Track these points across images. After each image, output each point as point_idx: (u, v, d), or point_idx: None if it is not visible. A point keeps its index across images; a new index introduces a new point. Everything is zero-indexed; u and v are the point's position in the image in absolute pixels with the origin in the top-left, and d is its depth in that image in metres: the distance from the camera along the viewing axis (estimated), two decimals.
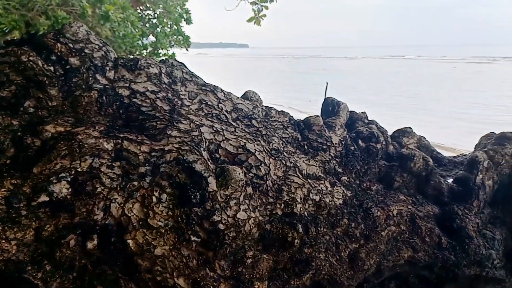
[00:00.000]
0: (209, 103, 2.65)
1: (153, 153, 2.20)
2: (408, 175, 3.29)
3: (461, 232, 3.11)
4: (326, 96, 3.72)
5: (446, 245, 3.08)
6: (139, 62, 2.49)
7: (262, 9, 10.13)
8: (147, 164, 2.18)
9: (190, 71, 2.71)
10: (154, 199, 2.14)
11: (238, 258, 2.30)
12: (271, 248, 2.46)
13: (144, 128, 2.31)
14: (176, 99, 2.49)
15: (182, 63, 2.70)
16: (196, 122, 2.43)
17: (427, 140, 3.88)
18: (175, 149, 2.23)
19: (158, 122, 2.33)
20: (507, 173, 3.42)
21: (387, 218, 3.01)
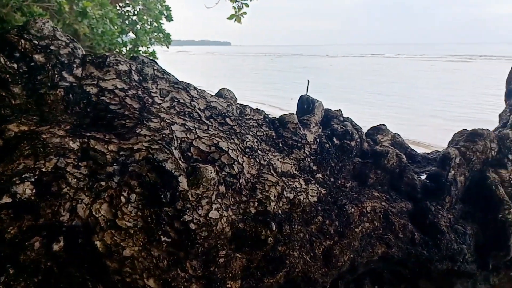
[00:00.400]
0: (181, 101, 2.61)
1: (121, 152, 2.15)
2: (382, 172, 3.31)
3: (434, 227, 3.15)
4: (303, 94, 3.72)
5: (419, 240, 3.12)
6: (108, 59, 2.42)
7: (242, 7, 10.06)
8: (115, 164, 2.12)
9: (161, 68, 2.66)
10: (122, 199, 2.08)
11: (211, 258, 2.26)
12: (245, 247, 2.43)
13: (112, 127, 2.25)
14: (146, 97, 2.44)
15: (153, 60, 2.65)
16: (167, 121, 2.38)
17: (401, 137, 3.92)
18: (144, 148, 2.18)
19: (127, 121, 2.27)
20: (478, 169, 3.47)
21: (361, 214, 3.03)
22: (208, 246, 2.25)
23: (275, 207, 2.62)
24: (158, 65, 2.66)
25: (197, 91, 2.76)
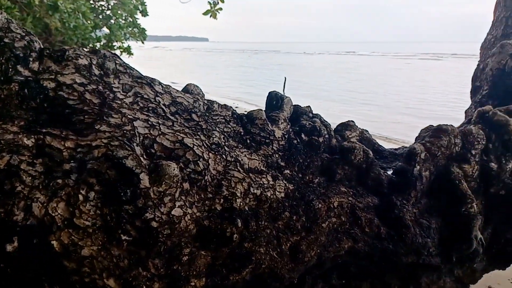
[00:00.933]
0: (145, 96, 2.54)
1: (79, 149, 2.07)
2: (349, 167, 3.33)
3: (399, 222, 3.19)
4: (272, 91, 3.70)
5: (385, 235, 3.15)
6: (67, 53, 2.33)
7: (218, 2, 9.96)
8: (72, 161, 2.05)
9: (124, 62, 2.58)
10: (80, 197, 2.01)
11: (174, 256, 2.22)
12: (210, 244, 2.40)
13: (70, 123, 2.17)
14: (107, 92, 2.36)
15: (115, 54, 2.57)
16: (129, 116, 2.32)
17: (369, 133, 3.95)
18: (103, 144, 2.10)
19: (86, 116, 2.19)
20: (442, 164, 3.54)
21: (328, 210, 3.04)
22: (171, 244, 2.21)
23: (241, 203, 2.59)
24: (121, 60, 2.58)
25: (162, 86, 2.70)
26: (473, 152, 3.59)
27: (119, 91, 2.45)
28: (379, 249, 3.12)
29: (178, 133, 2.48)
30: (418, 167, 3.37)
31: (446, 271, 3.71)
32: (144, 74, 2.70)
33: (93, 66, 2.40)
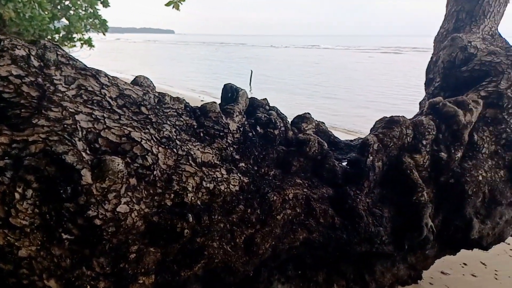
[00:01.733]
0: (89, 88, 2.43)
1: (14, 145, 1.96)
2: (304, 159, 3.35)
3: (353, 211, 3.24)
4: (227, 83, 3.65)
5: (339, 225, 3.20)
6: (2, 43, 2.19)
7: None
8: (6, 158, 1.93)
9: (67, 53, 2.46)
10: (17, 195, 1.90)
11: (120, 254, 2.15)
12: (159, 241, 2.34)
13: (5, 118, 2.05)
14: (48, 85, 2.24)
15: (57, 44, 2.44)
16: (70, 110, 2.21)
17: (325, 126, 3.99)
18: (41, 139, 2.00)
19: (23, 110, 2.07)
20: (395, 154, 3.62)
21: (283, 202, 3.04)
22: (118, 241, 2.14)
23: (193, 198, 2.54)
24: (63, 50, 2.46)
25: (109, 78, 2.59)
26: (424, 142, 3.69)
27: (60, 84, 2.33)
28: (333, 239, 3.17)
29: (125, 127, 2.39)
30: (371, 157, 3.43)
31: (400, 258, 3.82)
32: (90, 67, 2.59)
33: (32, 57, 2.27)
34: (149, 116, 2.65)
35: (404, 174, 3.55)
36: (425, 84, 5.57)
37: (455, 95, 4.31)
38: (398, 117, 3.71)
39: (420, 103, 5.39)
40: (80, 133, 2.17)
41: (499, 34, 5.26)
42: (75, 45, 11.72)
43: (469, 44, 4.67)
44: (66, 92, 2.31)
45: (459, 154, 3.85)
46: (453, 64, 4.74)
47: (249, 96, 3.79)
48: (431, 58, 5.50)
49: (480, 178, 3.92)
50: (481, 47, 4.73)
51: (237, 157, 3.07)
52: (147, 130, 2.51)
